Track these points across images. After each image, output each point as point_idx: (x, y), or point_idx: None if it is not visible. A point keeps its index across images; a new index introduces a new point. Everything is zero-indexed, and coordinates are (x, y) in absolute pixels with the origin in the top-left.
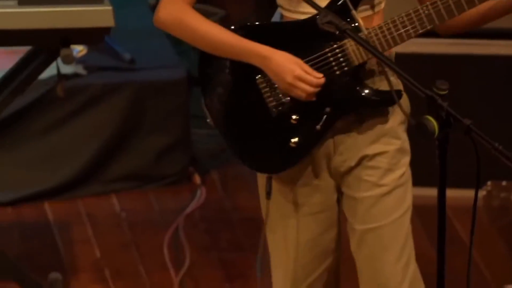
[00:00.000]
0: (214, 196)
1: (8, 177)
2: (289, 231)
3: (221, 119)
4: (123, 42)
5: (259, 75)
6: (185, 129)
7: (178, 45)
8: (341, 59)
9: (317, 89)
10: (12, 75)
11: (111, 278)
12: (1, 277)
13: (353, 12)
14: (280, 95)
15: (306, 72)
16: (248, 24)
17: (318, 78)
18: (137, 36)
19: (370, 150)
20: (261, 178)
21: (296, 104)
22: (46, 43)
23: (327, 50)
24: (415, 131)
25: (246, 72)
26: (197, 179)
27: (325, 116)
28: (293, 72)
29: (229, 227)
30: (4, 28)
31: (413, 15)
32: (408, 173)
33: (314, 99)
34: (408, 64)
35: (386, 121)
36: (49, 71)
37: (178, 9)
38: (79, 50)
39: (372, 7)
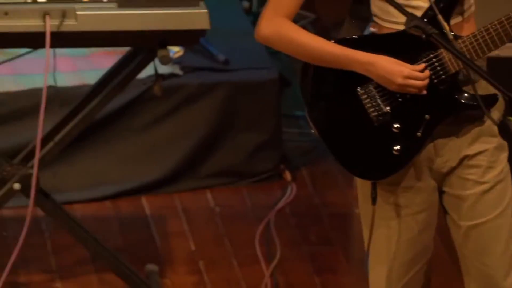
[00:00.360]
0: (304, 192)
1: (108, 172)
2: (392, 232)
3: (325, 130)
4: (217, 43)
5: (360, 87)
6: (276, 128)
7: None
8: (438, 68)
9: (426, 82)
10: (112, 74)
11: (205, 270)
12: (101, 268)
13: (439, 17)
14: (381, 105)
15: (412, 69)
16: (346, 37)
17: (424, 71)
18: (231, 38)
19: (470, 150)
20: (363, 183)
21: (397, 113)
22: (144, 44)
23: (424, 60)
24: (498, 132)
25: (347, 84)
26: (288, 176)
27: (425, 123)
28: (402, 73)
29: (318, 222)
30: (105, 29)
31: (505, 22)
32: (507, 168)
33: (425, 92)
34: (492, 67)
35: (483, 121)
36: (147, 71)
37: (278, 23)
38: (175, 51)
39: (462, 13)
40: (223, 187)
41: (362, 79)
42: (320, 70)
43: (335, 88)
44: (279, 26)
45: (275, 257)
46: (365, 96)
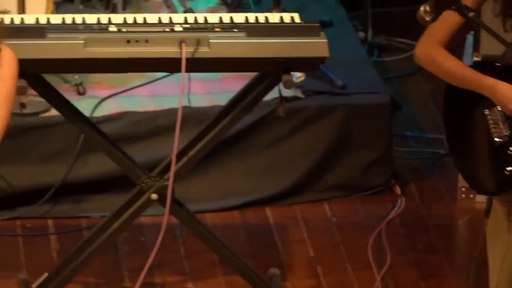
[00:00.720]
0: (412, 205)
1: (236, 185)
2: (503, 245)
3: (454, 145)
4: (335, 70)
5: (487, 110)
6: (388, 147)
7: (383, 73)
8: None
9: None
10: (241, 96)
11: (322, 274)
12: (229, 271)
13: None
14: (502, 128)
15: None
16: (484, 62)
17: None
18: (348, 65)
19: None
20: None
21: None
22: (270, 70)
23: None
24: None
25: (477, 106)
26: (398, 190)
27: None
28: None
29: (425, 232)
30: (235, 56)
31: None
32: None
33: None
34: None
35: None
36: (272, 94)
37: (429, 48)
38: (298, 76)
39: None
40: (339, 199)
41: (491, 103)
42: (457, 93)
43: (468, 109)
44: (429, 50)
45: (385, 263)
46: (490, 117)
